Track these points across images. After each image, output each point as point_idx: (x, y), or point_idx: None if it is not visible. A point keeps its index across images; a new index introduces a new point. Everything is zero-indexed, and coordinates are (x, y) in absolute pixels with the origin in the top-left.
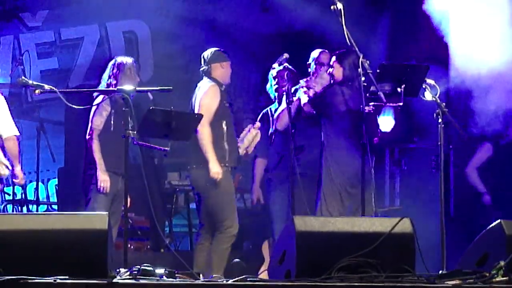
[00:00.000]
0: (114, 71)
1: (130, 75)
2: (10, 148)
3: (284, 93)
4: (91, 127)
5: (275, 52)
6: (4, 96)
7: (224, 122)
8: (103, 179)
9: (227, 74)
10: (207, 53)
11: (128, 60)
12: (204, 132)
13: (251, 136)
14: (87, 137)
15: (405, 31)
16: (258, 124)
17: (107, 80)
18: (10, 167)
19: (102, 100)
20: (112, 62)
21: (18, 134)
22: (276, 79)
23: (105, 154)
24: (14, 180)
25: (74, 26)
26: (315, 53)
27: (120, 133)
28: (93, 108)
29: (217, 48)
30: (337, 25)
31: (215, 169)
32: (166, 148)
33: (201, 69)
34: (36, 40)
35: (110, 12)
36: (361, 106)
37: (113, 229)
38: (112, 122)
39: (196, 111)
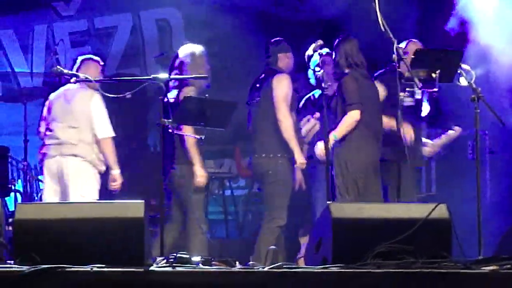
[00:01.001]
0: (186, 60)
1: (200, 64)
2: (104, 149)
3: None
4: None
5: (310, 39)
6: (100, 92)
7: (293, 112)
8: (202, 175)
9: (291, 64)
10: (273, 42)
11: (198, 48)
12: (288, 123)
13: (310, 125)
14: (181, 131)
15: (435, 18)
16: (317, 114)
17: (179, 70)
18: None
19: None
20: (182, 51)
21: (113, 135)
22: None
23: None
24: (111, 184)
25: (107, 15)
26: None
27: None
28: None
29: (281, 38)
30: (367, 12)
31: (302, 160)
32: (201, 136)
33: (269, 59)
34: (69, 29)
35: (143, 0)
36: (374, 95)
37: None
38: None
39: (275, 102)
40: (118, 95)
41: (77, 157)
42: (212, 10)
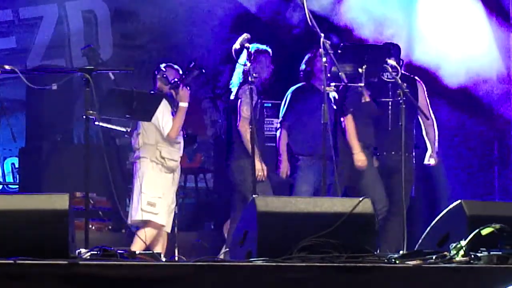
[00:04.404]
0: (249, 58)
1: (264, 62)
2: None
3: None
4: (241, 117)
5: (236, 34)
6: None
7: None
8: (260, 168)
9: None
10: None
11: (262, 48)
12: None
13: None
14: (239, 128)
15: None
16: None
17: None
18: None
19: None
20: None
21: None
22: None
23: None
24: None
25: (33, 5)
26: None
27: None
28: (242, 98)
29: None
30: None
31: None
32: (127, 129)
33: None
34: None
35: None
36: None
37: None
38: (258, 111)
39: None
40: (45, 87)
41: (140, 158)
42: (139, 2)
